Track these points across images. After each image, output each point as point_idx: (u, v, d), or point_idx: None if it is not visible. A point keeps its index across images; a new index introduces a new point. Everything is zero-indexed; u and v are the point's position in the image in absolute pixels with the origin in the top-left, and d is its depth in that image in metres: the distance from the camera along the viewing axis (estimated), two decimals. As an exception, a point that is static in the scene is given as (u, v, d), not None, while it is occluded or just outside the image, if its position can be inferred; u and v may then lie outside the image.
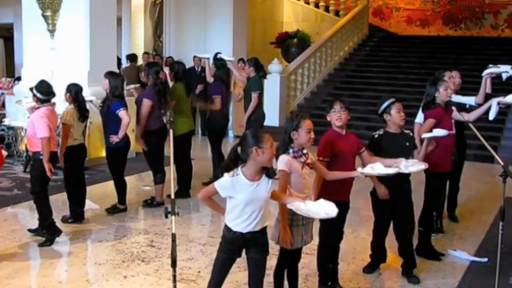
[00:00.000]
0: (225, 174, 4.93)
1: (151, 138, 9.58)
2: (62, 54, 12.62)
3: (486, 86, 8.81)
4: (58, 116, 8.33)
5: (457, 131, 7.78)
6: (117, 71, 13.25)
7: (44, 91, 7.81)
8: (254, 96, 11.35)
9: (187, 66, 16.20)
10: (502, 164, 6.12)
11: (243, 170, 4.88)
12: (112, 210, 9.31)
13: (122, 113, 8.95)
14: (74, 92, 8.58)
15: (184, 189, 10.32)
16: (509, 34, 22.93)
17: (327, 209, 5.09)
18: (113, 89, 9.06)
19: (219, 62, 11.90)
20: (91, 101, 9.87)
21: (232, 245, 5.10)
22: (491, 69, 8.92)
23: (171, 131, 5.52)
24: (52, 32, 12.68)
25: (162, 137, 9.59)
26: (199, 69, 16.71)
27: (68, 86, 8.65)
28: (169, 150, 5.29)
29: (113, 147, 9.20)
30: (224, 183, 4.93)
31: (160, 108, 9.49)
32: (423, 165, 6.16)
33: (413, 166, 6.06)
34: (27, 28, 13.31)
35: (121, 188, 9.45)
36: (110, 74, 9.27)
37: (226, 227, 5.11)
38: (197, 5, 17.38)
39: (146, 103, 9.38)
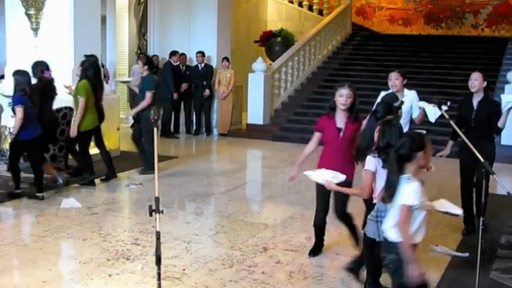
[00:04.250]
0: (408, 182, 4.74)
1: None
2: (46, 53, 12.52)
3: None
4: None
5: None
6: (101, 69, 13.22)
7: None
8: (148, 95, 11.35)
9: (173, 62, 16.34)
10: (483, 161, 6.14)
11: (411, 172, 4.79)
12: (32, 196, 9.69)
13: (17, 109, 9.30)
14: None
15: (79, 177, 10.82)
16: (488, 33, 23.08)
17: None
18: (16, 85, 9.49)
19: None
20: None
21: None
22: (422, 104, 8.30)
23: (155, 129, 5.49)
24: (36, 30, 12.60)
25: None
26: (183, 68, 16.72)
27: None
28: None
29: (20, 140, 9.51)
30: (417, 191, 4.72)
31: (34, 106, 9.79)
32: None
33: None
34: (10, 26, 13.22)
35: (38, 175, 9.79)
36: (15, 72, 9.74)
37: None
38: (181, 4, 17.35)
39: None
